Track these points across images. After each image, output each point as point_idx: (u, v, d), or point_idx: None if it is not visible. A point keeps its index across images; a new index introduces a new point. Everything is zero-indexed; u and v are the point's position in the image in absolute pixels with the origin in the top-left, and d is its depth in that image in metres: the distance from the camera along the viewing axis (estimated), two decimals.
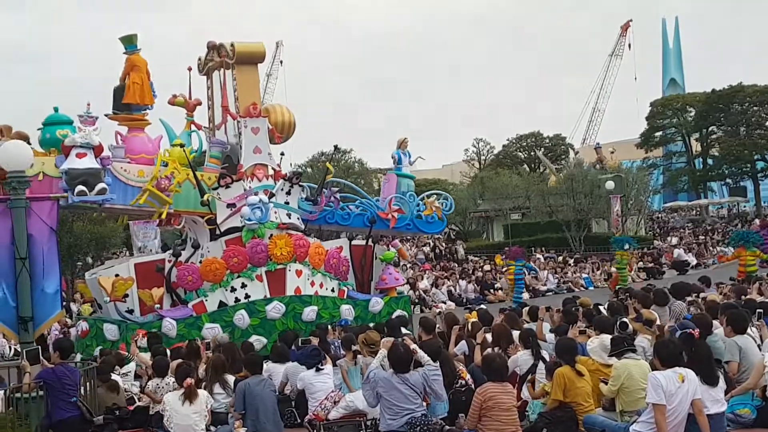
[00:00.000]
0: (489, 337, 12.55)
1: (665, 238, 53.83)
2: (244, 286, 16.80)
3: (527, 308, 15.73)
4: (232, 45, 17.91)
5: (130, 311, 16.25)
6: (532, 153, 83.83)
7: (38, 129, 16.11)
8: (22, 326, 11.75)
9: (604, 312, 13.97)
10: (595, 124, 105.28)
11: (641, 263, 40.20)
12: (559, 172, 63.79)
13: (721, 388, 9.18)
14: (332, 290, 17.90)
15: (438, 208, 20.12)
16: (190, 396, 10.34)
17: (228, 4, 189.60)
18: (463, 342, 13.22)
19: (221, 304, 16.64)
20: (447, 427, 9.96)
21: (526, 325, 13.62)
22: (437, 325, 14.70)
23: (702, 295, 16.47)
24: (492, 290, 32.71)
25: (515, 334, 12.26)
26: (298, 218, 18.13)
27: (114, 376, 12.94)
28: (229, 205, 17.07)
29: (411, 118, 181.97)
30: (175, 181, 16.70)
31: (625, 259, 29.08)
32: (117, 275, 16.15)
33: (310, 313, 16.89)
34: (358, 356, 12.25)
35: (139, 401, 12.31)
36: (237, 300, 16.69)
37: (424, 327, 14.00)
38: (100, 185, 15.02)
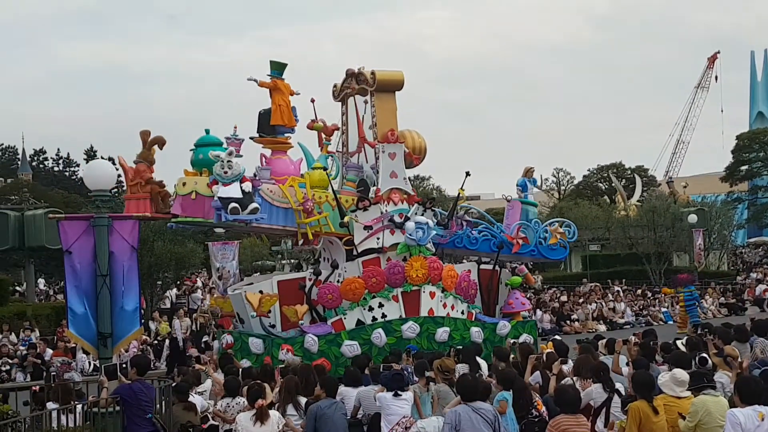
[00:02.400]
0: (565, 368, 12.39)
1: (748, 274, 52.42)
2: (381, 305, 17.43)
3: (604, 341, 15.49)
4: (372, 73, 18.55)
5: (272, 326, 16.99)
6: (613, 184, 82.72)
7: (190, 150, 16.99)
8: (101, 342, 11.97)
9: (682, 347, 13.67)
10: (679, 156, 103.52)
11: (722, 299, 39.29)
12: (641, 204, 62.83)
13: None
14: (462, 312, 18.41)
15: (562, 234, 20.41)
16: (261, 417, 10.45)
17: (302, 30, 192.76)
18: (537, 372, 13.07)
19: (359, 322, 17.27)
20: None
21: (602, 358, 13.42)
22: (512, 355, 14.61)
23: None
24: (568, 321, 32.31)
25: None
26: (430, 242, 18.58)
27: (192, 395, 13.17)
28: (366, 227, 17.74)
29: (489, 146, 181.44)
30: (320, 204, 17.30)
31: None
32: (261, 291, 16.86)
33: (442, 334, 17.44)
34: (431, 383, 12.20)
35: (213, 419, 12.45)
36: (374, 319, 17.33)
37: (498, 356, 13.97)
38: (253, 205, 15.68)
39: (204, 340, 25.33)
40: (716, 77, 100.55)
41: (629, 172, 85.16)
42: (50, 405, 12.35)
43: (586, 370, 11.85)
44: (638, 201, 65.34)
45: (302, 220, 16.97)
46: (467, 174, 19.36)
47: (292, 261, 61.48)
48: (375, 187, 18.39)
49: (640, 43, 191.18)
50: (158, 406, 11.54)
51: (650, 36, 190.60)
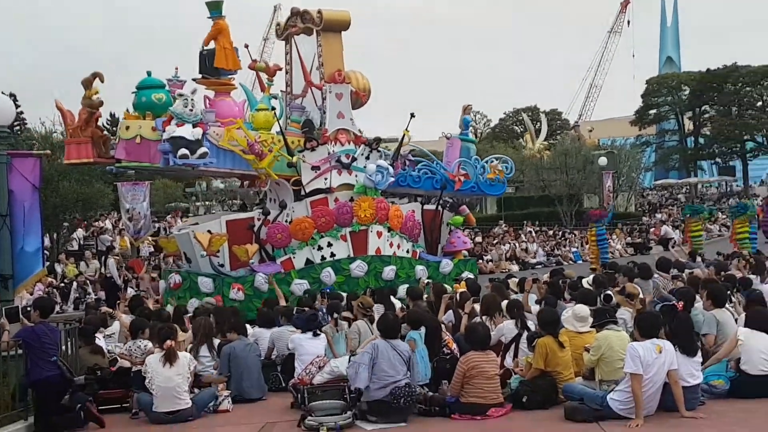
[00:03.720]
0: (477, 307, 12.58)
1: (653, 215, 54.03)
2: (330, 245, 17.52)
3: (517, 280, 15.77)
4: (319, 12, 18.18)
5: (221, 266, 16.83)
6: (524, 121, 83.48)
7: (132, 93, 16.58)
8: (2, 284, 11.62)
9: (588, 285, 14.02)
10: (592, 100, 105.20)
11: (629, 239, 40.37)
12: (553, 147, 63.80)
13: (698, 360, 9.34)
14: (407, 251, 18.63)
15: (501, 171, 20.57)
16: (170, 358, 10.33)
17: None
18: (450, 311, 13.24)
19: (308, 261, 17.33)
20: (430, 394, 10.04)
21: (513, 296, 13.67)
22: (425, 295, 14.76)
23: (687, 270, 16.53)
24: (482, 261, 32.80)
25: (503, 304, 12.29)
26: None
27: (98, 338, 12.94)
28: (313, 168, 17.71)
29: (407, 90, 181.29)
30: (266, 147, 16.98)
31: (699, 226, 26.84)
32: (209, 231, 16.63)
33: (389, 272, 17.67)
34: (341, 323, 12.25)
35: (121, 362, 12.27)
36: (323, 258, 17.40)
37: (412, 296, 14.11)
38: (202, 149, 15.42)
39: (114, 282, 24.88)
40: (628, 22, 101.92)
41: (544, 115, 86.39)
42: None
43: (493, 308, 12.06)
44: (544, 142, 66.19)
45: (259, 164, 16.77)
46: (412, 115, 19.41)
47: (207, 203, 60.96)
48: (322, 128, 18.26)
49: None
50: (64, 348, 11.32)
51: None
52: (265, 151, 16.73)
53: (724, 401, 9.59)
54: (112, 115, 53.60)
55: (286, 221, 17.36)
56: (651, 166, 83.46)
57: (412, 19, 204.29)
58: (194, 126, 15.39)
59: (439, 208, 19.63)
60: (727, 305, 11.47)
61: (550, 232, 42.63)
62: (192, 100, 15.49)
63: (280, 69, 19.06)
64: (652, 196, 76.27)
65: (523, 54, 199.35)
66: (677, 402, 8.80)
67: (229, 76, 17.78)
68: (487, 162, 20.54)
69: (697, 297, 11.74)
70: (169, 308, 15.69)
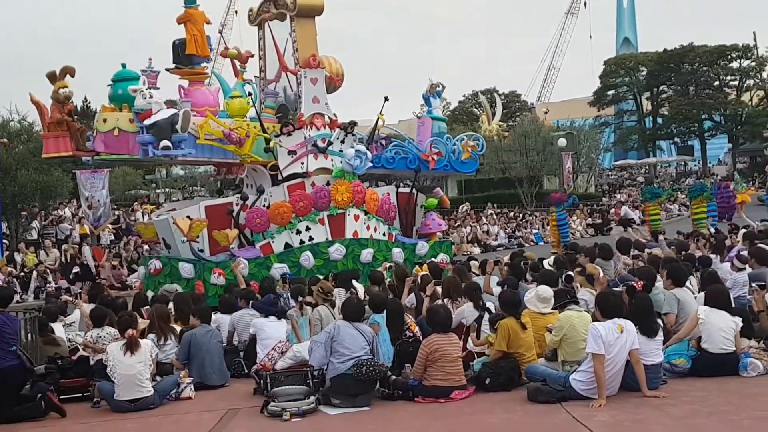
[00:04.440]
0: (439, 289, 12.62)
1: (613, 196, 54.54)
2: (308, 229, 17.75)
3: (479, 262, 15.85)
4: None
5: (201, 251, 16.98)
6: (480, 102, 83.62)
7: (108, 85, 16.67)
8: None
9: (549, 266, 14.13)
10: (550, 82, 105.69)
11: (589, 219, 40.69)
12: (512, 129, 64.01)
13: (660, 339, 9.40)
14: (383, 234, 18.89)
15: (473, 146, 20.78)
16: (131, 346, 10.26)
17: None
18: (413, 294, 13.28)
19: (287, 245, 17.51)
20: (393, 377, 10.05)
21: (474, 278, 13.72)
22: (387, 279, 14.79)
23: (647, 250, 16.70)
24: None
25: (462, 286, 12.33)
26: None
27: (57, 326, 12.80)
28: (290, 152, 17.92)
29: (370, 72, 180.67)
30: (243, 132, 17.04)
31: (658, 210, 28.22)
32: (188, 216, 16.74)
33: (367, 255, 17.95)
34: (306, 307, 12.24)
35: (83, 350, 12.17)
36: (302, 242, 17.63)
37: (373, 280, 14.12)
38: (165, 142, 15.43)
39: (74, 271, 24.65)
40: (585, 3, 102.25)
41: (503, 97, 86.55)
42: None
43: (455, 290, 12.11)
44: (501, 122, 66.24)
45: (239, 151, 16.90)
46: (386, 99, 19.58)
47: (167, 190, 60.47)
48: (297, 113, 18.42)
49: None
50: (26, 338, 11.19)
51: None
52: (243, 137, 16.82)
53: (685, 380, 9.68)
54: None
55: (264, 206, 17.52)
56: (610, 146, 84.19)
57: (384, 5, 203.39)
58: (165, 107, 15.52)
59: (413, 191, 19.83)
60: (687, 284, 11.56)
61: (511, 214, 42.85)
62: (146, 90, 15.50)
63: (252, 56, 19.21)
64: (612, 177, 76.99)
65: (484, 38, 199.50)
66: (639, 381, 8.87)
67: (202, 65, 17.92)
68: (458, 140, 20.72)
69: (658, 276, 11.86)
70: (149, 294, 16.19)
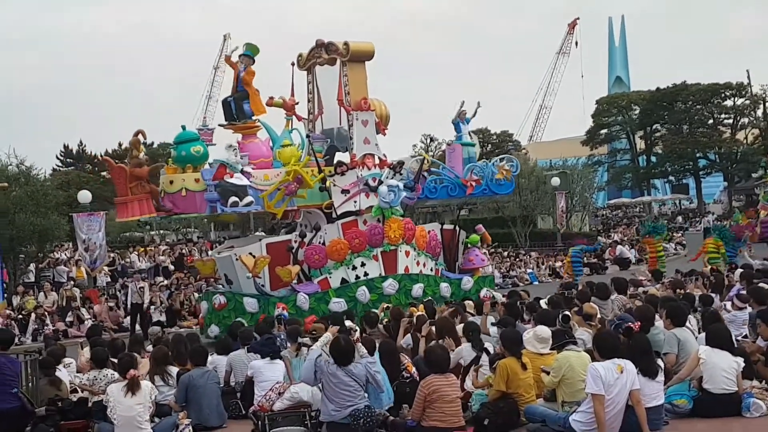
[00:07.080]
0: (434, 329, 12.63)
1: (608, 234, 54.60)
2: (363, 264, 18.55)
3: (472, 302, 15.88)
4: (346, 44, 19.26)
5: (263, 286, 17.70)
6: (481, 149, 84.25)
7: (171, 148, 17.83)
8: None
9: (545, 306, 14.17)
10: (542, 121, 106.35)
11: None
12: None
13: (660, 380, 9.30)
14: (431, 269, 19.61)
15: (508, 171, 21.43)
16: (132, 387, 10.27)
17: None
18: (409, 335, 13.29)
19: (343, 280, 18.24)
20: (391, 418, 10.04)
21: (470, 319, 13.75)
22: (385, 319, 14.81)
23: (642, 289, 16.77)
24: None
25: (459, 327, 12.36)
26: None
27: (60, 369, 12.80)
28: (344, 191, 18.74)
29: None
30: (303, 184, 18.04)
31: (660, 246, 27.67)
32: (251, 253, 17.46)
33: (417, 290, 18.69)
34: (302, 348, 12.24)
35: (82, 392, 12.16)
36: (357, 277, 18.42)
37: (367, 321, 14.15)
38: (248, 198, 17.02)
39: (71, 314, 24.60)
40: (576, 43, 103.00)
41: (494, 137, 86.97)
42: None
43: (445, 331, 12.09)
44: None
45: (270, 204, 17.79)
46: (431, 138, 20.25)
47: (161, 232, 60.38)
48: (350, 153, 19.19)
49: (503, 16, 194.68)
50: (30, 381, 11.20)
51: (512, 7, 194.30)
52: (296, 187, 17.96)
53: (687, 420, 9.67)
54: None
55: (320, 243, 18.25)
56: (604, 185, 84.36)
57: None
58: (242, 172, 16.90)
59: (456, 227, 20.76)
60: (687, 324, 11.46)
61: (505, 254, 42.88)
62: (240, 155, 17.03)
63: (298, 103, 19.88)
64: (607, 216, 77.08)
65: (473, 80, 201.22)
66: (641, 422, 8.74)
67: (253, 118, 18.75)
68: (494, 164, 21.41)
69: (657, 316, 11.81)
70: (215, 329, 17.28)
